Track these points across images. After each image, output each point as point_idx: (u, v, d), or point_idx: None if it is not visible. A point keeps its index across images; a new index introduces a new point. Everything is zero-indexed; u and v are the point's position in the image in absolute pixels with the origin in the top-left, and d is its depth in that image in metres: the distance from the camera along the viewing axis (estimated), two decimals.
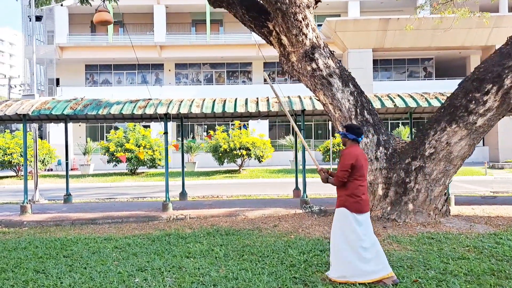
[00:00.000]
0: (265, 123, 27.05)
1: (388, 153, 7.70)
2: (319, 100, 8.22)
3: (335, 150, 19.26)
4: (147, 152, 20.48)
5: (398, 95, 9.60)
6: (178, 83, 31.93)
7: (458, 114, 6.96)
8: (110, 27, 29.66)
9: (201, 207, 10.03)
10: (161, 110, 9.25)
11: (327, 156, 19.87)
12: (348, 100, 7.82)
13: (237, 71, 32.16)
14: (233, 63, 31.77)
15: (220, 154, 20.05)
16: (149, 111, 9.25)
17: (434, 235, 6.56)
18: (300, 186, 11.54)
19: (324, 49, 7.93)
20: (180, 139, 18.96)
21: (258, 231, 7.19)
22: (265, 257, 5.53)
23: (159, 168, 22.03)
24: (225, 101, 9.65)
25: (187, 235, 7.02)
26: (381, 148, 7.71)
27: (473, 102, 6.80)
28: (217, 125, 21.66)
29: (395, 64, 30.74)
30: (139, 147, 20.61)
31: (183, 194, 11.58)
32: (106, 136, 27.77)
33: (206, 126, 29.81)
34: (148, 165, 20.67)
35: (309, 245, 6.02)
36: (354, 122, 7.81)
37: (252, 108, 9.29)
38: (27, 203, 9.42)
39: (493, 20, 24.06)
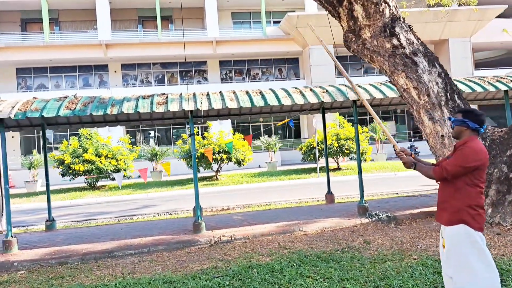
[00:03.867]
0: (227, 124, 25.33)
1: (487, 145, 6.51)
2: (396, 85, 6.82)
3: (321, 148, 18.06)
4: (110, 162, 17.92)
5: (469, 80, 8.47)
6: (125, 85, 29.11)
7: None
8: (46, 25, 26.20)
9: (233, 223, 8.22)
10: (188, 106, 7.33)
11: (311, 156, 18.62)
12: (437, 83, 6.52)
13: (191, 70, 30.04)
14: (186, 62, 29.61)
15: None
16: (173, 107, 7.29)
17: None
18: (339, 189, 10.14)
19: (404, 22, 6.56)
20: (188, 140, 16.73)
21: (357, 253, 5.63)
22: None
23: (125, 179, 19.47)
24: (261, 92, 7.93)
25: (272, 265, 5.27)
26: (479, 139, 6.48)
27: None
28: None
29: (352, 61, 30.49)
30: (99, 156, 17.98)
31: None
32: (46, 147, 24.42)
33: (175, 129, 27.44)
34: (111, 177, 18.10)
35: None
36: (444, 109, 6.52)
37: (298, 100, 7.66)
38: (11, 236, 6.99)
39: (447, 14, 24.44)
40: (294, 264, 5.26)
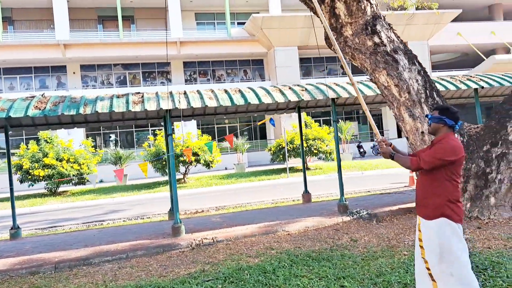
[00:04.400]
0: (191, 125, 24.96)
1: (465, 140, 6.67)
2: (377, 82, 6.87)
3: (290, 148, 18.09)
4: (72, 167, 17.16)
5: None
6: (85, 86, 28.04)
7: None
8: None
9: (212, 225, 8.00)
10: (166, 105, 7.07)
11: (280, 156, 18.61)
12: (417, 81, 6.62)
13: (154, 71, 29.39)
14: (149, 63, 28.95)
15: (164, 163, 17.59)
16: (150, 106, 7.00)
17: None
18: (309, 189, 10.15)
19: (384, 20, 6.62)
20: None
21: (346, 251, 5.59)
22: None
23: (88, 184, 18.73)
24: (240, 91, 7.78)
25: (263, 266, 5.12)
26: (456, 135, 6.63)
27: None
28: (157, 130, 19.10)
29: (315, 62, 30.85)
30: (61, 161, 17.19)
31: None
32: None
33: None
34: (74, 181, 17.36)
35: None
36: (424, 106, 6.63)
37: (279, 98, 7.57)
38: None
39: (410, 17, 25.27)
40: (286, 264, 5.14)
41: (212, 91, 7.79)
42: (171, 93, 7.61)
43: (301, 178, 17.05)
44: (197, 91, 7.84)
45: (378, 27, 6.47)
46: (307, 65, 30.19)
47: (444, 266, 3.24)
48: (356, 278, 4.46)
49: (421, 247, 3.47)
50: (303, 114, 19.90)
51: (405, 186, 12.28)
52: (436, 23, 28.16)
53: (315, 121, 20.03)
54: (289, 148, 18.04)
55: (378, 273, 4.57)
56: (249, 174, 18.97)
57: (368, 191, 12.17)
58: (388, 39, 6.55)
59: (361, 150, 25.27)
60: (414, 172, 12.62)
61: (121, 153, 20.24)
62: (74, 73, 27.90)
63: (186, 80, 29.54)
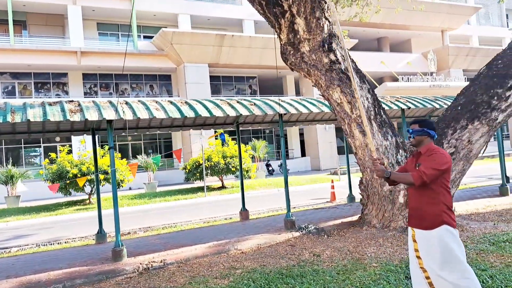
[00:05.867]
0: (90, 142, 23.15)
1: (408, 155, 7.10)
2: (330, 99, 7.02)
3: (208, 165, 17.70)
4: None
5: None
6: None
7: (480, 110, 6.91)
8: None
9: (154, 247, 7.35)
10: (109, 115, 6.39)
11: (196, 174, 18.10)
12: (367, 98, 6.92)
13: (49, 82, 26.87)
14: (43, 73, 26.41)
15: (68, 182, 15.94)
16: (91, 116, 6.26)
17: (486, 237, 6.24)
18: (231, 207, 9.93)
19: (339, 38, 6.83)
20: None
21: (315, 266, 5.49)
22: None
23: None
24: (187, 103, 7.37)
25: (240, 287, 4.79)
26: (401, 151, 7.06)
27: (496, 98, 6.85)
28: (59, 146, 17.31)
29: (224, 81, 31.05)
30: None
31: (102, 235, 8.41)
32: None
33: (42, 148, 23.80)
34: None
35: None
36: (373, 122, 6.94)
37: (230, 112, 7.32)
38: None
39: None
40: (262, 284, 4.87)
41: (157, 102, 7.27)
42: (110, 102, 6.93)
43: (219, 197, 16.80)
44: (139, 101, 7.26)
45: (334, 45, 6.66)
46: (216, 83, 30.20)
47: (445, 273, 3.30)
48: None
49: (418, 257, 3.51)
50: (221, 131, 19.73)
51: (327, 202, 12.72)
52: None
53: (232, 139, 19.94)
54: (207, 166, 17.65)
55: (362, 286, 4.54)
56: (163, 194, 18.09)
57: (294, 207, 12.34)
58: (343, 57, 6.77)
59: (270, 168, 25.84)
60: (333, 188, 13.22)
61: (13, 171, 17.90)
62: None
63: (85, 93, 27.46)
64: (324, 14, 6.41)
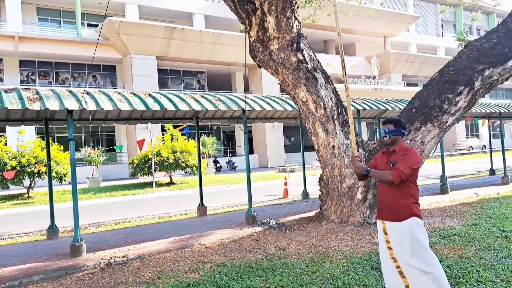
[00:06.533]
0: (30, 133, 21.78)
1: (366, 154, 7.44)
2: (295, 97, 7.18)
3: (157, 161, 17.32)
4: None
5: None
6: None
7: (432, 113, 7.39)
8: None
9: (114, 242, 7.14)
10: (70, 105, 6.11)
11: (145, 169, 17.65)
12: (331, 98, 7.16)
13: None
14: None
15: (2, 176, 14.93)
16: (52, 105, 5.95)
17: (436, 231, 6.72)
18: (181, 204, 9.89)
19: (306, 39, 7.01)
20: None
21: (284, 259, 5.61)
22: None
23: None
24: (151, 95, 7.21)
25: (212, 281, 4.79)
26: (360, 150, 7.37)
27: (447, 102, 7.36)
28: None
29: (172, 75, 30.49)
30: None
31: (54, 230, 8.02)
32: None
33: None
34: None
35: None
36: (336, 122, 7.20)
37: (195, 106, 7.25)
38: None
39: None
40: (235, 277, 4.91)
41: (119, 93, 7.05)
42: (71, 91, 6.63)
43: (168, 193, 16.54)
44: (101, 91, 7.00)
45: (302, 45, 6.82)
46: (164, 76, 29.57)
47: (414, 261, 3.58)
48: (318, 284, 4.53)
49: (390, 248, 3.77)
50: (168, 127, 19.40)
51: (280, 198, 12.96)
52: None
53: (182, 135, 19.65)
54: (156, 161, 17.28)
55: (333, 277, 4.73)
56: (108, 189, 17.47)
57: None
58: (310, 57, 6.95)
59: (218, 165, 25.79)
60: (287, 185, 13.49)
61: None
62: None
63: (22, 81, 25.79)
64: (294, 13, 6.54)
